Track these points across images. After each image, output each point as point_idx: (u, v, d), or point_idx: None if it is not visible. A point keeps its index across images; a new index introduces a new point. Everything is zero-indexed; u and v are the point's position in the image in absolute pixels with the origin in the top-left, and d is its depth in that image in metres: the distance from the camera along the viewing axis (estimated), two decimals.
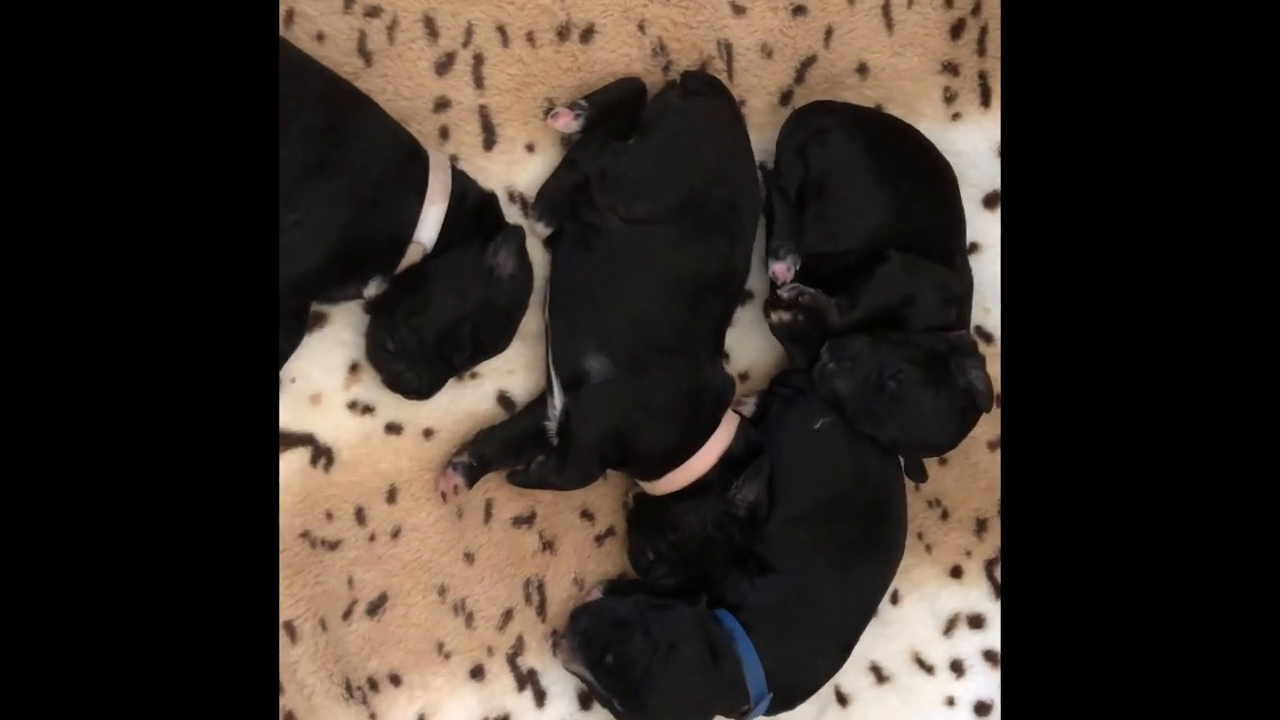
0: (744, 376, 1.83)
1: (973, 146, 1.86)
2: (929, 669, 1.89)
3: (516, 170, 1.76)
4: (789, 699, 1.72)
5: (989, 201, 1.88)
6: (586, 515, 1.82)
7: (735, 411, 1.75)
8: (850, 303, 1.72)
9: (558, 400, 1.66)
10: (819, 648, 1.73)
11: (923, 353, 1.70)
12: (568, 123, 1.70)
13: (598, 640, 1.62)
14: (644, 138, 1.67)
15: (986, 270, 1.85)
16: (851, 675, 1.85)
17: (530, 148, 1.77)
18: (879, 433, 1.72)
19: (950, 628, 1.90)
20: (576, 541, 1.82)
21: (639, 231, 1.64)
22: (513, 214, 1.75)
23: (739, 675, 1.65)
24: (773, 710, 1.72)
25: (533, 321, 1.74)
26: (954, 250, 1.80)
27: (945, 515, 1.90)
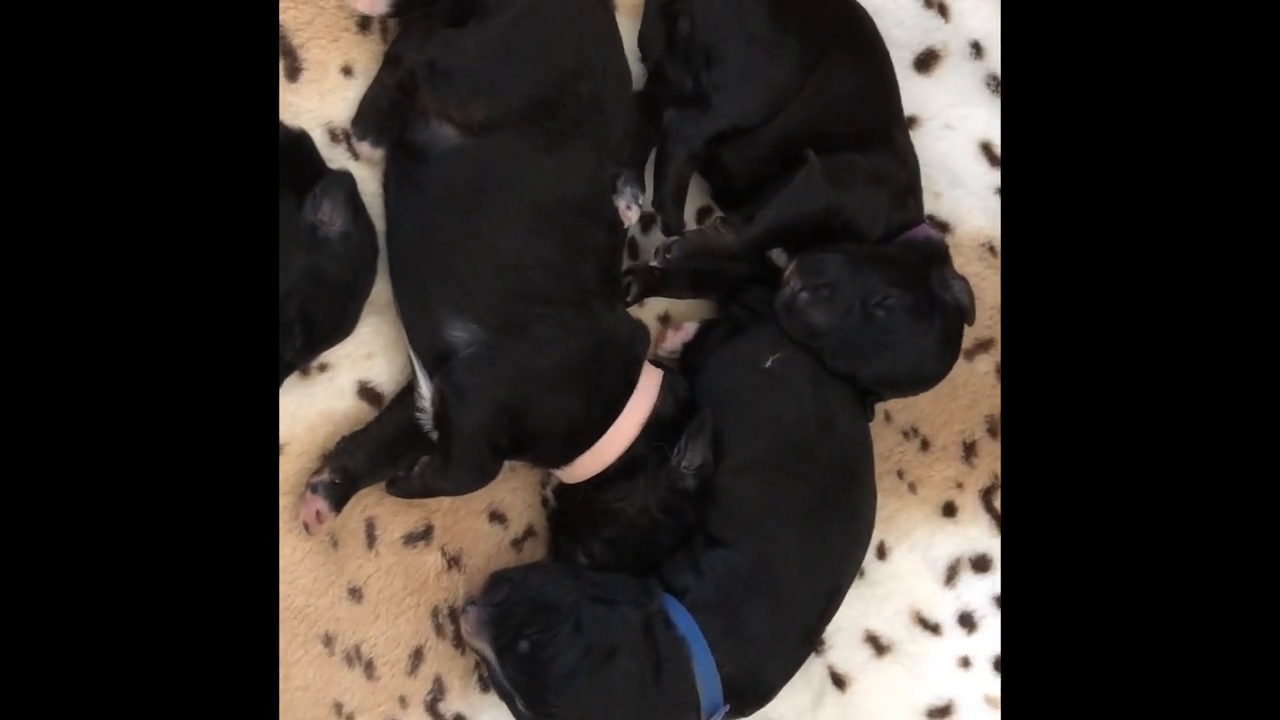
0: (663, 319, 1.71)
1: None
2: (934, 628, 1.82)
3: (333, 101, 1.56)
4: (747, 704, 1.60)
5: (922, 64, 1.76)
6: (496, 518, 1.68)
7: (655, 364, 1.62)
8: (748, 217, 1.58)
9: (424, 385, 1.52)
10: (779, 633, 1.59)
11: (902, 271, 1.60)
12: (372, 2, 1.49)
13: (515, 618, 1.49)
14: (484, 19, 1.48)
15: (931, 148, 1.75)
16: (846, 651, 1.78)
17: (347, 70, 1.56)
18: (862, 369, 1.60)
19: (951, 576, 1.82)
20: (488, 551, 1.67)
21: (478, 148, 1.47)
22: (339, 158, 1.56)
23: (685, 691, 1.53)
24: (732, 717, 1.60)
25: (386, 288, 1.58)
26: (891, 123, 1.67)
27: (925, 445, 1.81)
